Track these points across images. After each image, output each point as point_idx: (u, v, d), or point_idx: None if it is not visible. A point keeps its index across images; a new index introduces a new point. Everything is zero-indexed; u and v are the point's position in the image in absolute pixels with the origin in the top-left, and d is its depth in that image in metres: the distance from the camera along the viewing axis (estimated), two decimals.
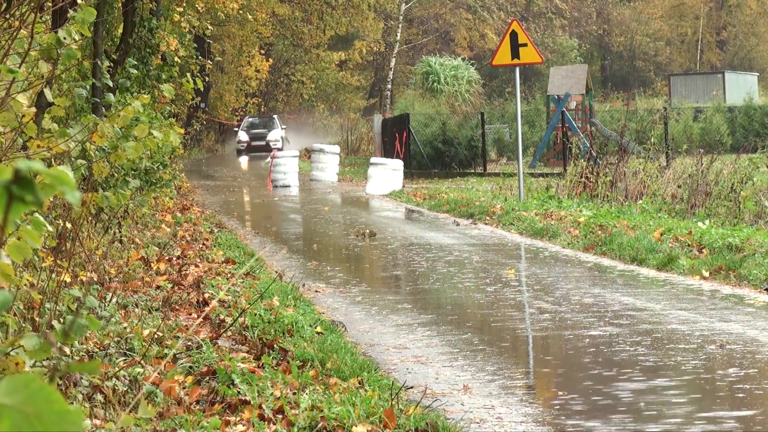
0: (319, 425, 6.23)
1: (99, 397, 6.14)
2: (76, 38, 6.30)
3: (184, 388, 6.73)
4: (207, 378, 7.06)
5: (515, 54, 23.00)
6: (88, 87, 10.29)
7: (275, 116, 59.63)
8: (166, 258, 12.88)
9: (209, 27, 35.39)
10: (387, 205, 26.97)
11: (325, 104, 67.69)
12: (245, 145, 56.69)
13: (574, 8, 72.93)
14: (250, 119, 59.21)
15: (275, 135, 57.58)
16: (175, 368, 7.17)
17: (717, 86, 56.88)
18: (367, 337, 9.69)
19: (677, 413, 6.99)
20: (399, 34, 62.33)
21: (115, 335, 7.63)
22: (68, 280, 7.71)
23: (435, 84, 49.65)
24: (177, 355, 7.59)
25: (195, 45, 26.23)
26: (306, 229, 21.56)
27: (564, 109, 35.49)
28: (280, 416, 6.40)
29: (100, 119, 7.79)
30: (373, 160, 33.41)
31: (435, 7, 68.25)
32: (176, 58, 18.53)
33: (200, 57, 29.83)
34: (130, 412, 5.83)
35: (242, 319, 8.89)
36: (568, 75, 37.84)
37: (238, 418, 6.35)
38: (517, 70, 23.91)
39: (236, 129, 57.73)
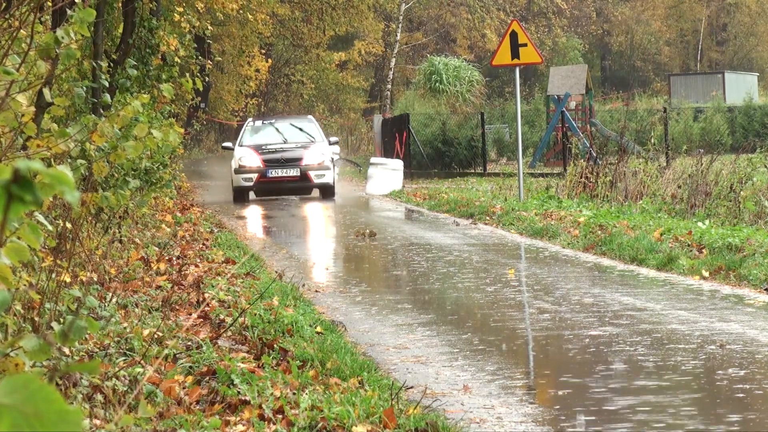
0: (319, 425, 6.23)
1: (99, 397, 6.14)
2: (75, 38, 6.30)
3: (184, 388, 6.73)
4: (207, 378, 7.06)
5: (515, 54, 23.00)
6: (85, 87, 10.29)
7: None
8: (166, 258, 12.88)
9: (209, 27, 35.39)
10: (387, 205, 26.97)
11: (325, 104, 67.70)
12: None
13: (574, 8, 72.92)
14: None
15: None
16: (175, 368, 7.17)
17: (717, 86, 56.90)
18: (367, 337, 9.69)
19: (677, 413, 6.99)
20: (399, 35, 62.33)
21: (115, 335, 7.63)
22: (68, 280, 7.70)
23: (437, 84, 49.68)
24: (177, 355, 7.59)
25: (195, 45, 26.21)
26: (306, 229, 21.55)
27: (564, 109, 35.49)
28: (280, 416, 6.40)
29: (99, 119, 7.79)
30: (373, 160, 33.42)
31: (435, 8, 68.24)
32: (176, 58, 18.52)
33: (200, 57, 29.78)
34: (130, 412, 5.83)
35: (242, 319, 8.89)
36: (568, 75, 37.85)
37: (238, 418, 6.35)
38: (517, 70, 23.91)
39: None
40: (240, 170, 28.58)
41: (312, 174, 28.69)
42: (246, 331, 8.67)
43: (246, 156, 28.75)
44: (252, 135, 30.04)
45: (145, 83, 16.06)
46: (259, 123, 30.97)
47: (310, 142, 29.46)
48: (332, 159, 29.46)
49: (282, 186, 28.84)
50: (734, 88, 55.83)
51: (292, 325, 9.04)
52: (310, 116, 32.36)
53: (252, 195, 29.45)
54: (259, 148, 29.01)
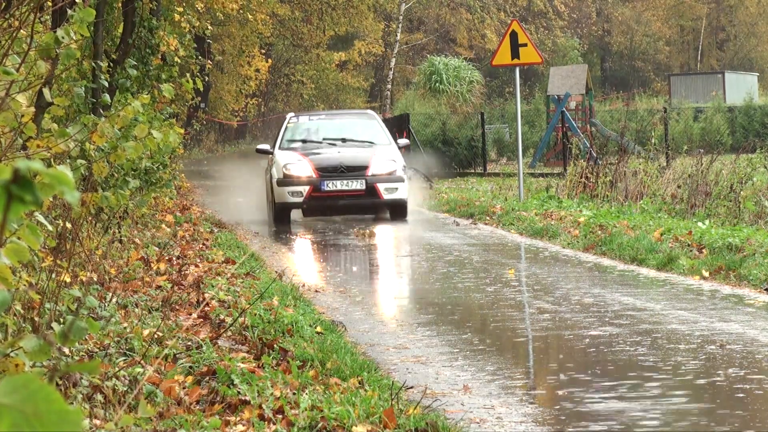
0: (319, 425, 6.23)
1: (99, 397, 6.14)
2: (75, 38, 6.30)
3: (184, 388, 6.73)
4: (207, 378, 7.06)
5: (515, 54, 23.00)
6: (84, 87, 10.30)
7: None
8: (166, 258, 12.88)
9: (209, 27, 35.36)
10: None
11: (326, 104, 67.72)
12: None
13: (574, 8, 72.94)
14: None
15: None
16: (175, 368, 7.17)
17: (717, 86, 56.91)
18: (367, 337, 9.69)
19: (677, 413, 6.99)
20: (399, 35, 62.35)
21: (115, 335, 7.63)
22: (68, 280, 7.70)
23: (437, 84, 49.69)
24: (177, 355, 7.59)
25: (195, 45, 26.19)
26: (305, 229, 21.52)
27: (564, 109, 35.49)
28: (280, 416, 6.40)
29: (99, 119, 7.79)
30: None
31: (435, 8, 68.26)
32: (176, 58, 18.52)
33: (200, 57, 29.77)
34: (130, 412, 5.83)
35: (242, 319, 8.89)
36: (568, 75, 37.84)
37: (238, 418, 6.35)
38: (517, 70, 23.91)
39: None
40: (285, 181, 21.45)
41: (381, 187, 21.32)
42: (246, 331, 8.67)
43: (293, 163, 21.52)
44: (295, 135, 22.81)
45: (145, 83, 16.06)
46: (304, 119, 23.41)
47: (375, 145, 22.37)
48: (404, 168, 22.01)
49: (341, 203, 21.58)
50: (734, 88, 55.85)
51: (292, 325, 9.05)
52: (370, 111, 25.93)
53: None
54: (308, 153, 21.90)
